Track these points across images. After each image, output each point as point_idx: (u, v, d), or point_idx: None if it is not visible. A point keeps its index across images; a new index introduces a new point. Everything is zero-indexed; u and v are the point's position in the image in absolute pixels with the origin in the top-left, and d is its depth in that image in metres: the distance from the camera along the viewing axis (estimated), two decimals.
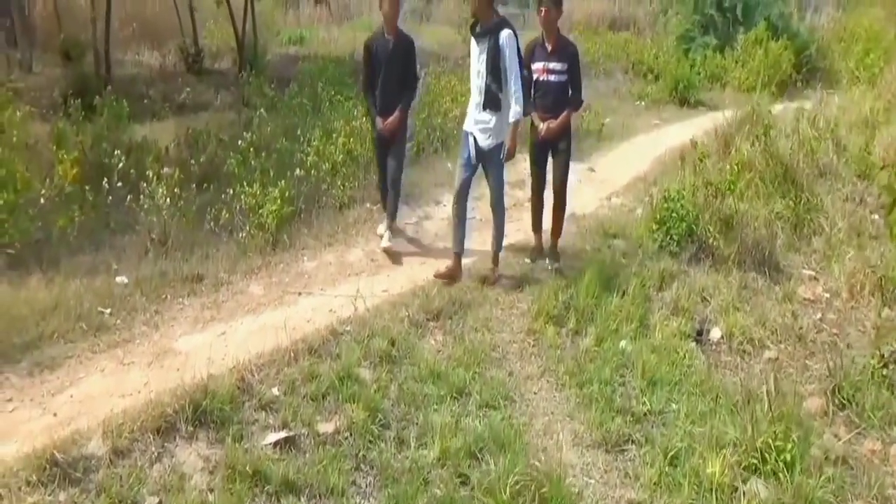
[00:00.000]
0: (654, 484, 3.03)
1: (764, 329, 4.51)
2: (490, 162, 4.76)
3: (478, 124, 4.69)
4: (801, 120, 7.99)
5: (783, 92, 12.68)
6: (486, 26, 4.56)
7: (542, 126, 4.97)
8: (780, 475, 3.04)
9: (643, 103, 12.57)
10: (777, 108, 10.95)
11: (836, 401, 3.67)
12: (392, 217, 5.41)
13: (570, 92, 5.02)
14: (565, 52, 4.96)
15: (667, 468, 3.10)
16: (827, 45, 15.53)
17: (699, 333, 4.45)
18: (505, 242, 5.10)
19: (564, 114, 4.97)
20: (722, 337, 4.43)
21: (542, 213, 5.33)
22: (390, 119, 5.13)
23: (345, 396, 3.53)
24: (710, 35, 14.66)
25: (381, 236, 5.38)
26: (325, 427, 3.31)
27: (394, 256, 5.25)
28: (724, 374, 4.04)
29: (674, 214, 5.47)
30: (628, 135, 10.12)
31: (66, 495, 2.76)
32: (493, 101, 4.58)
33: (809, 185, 6.45)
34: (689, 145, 8.56)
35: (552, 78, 4.95)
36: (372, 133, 5.58)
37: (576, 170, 8.12)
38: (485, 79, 4.53)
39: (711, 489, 2.96)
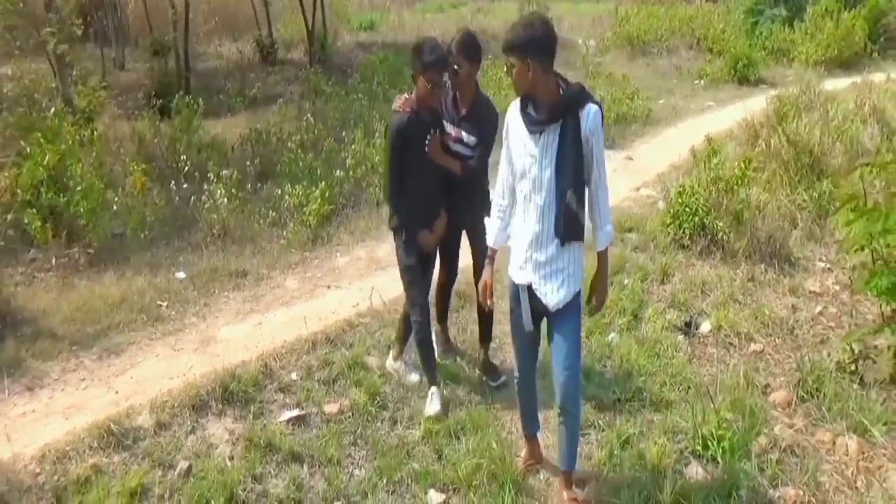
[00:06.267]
0: (603, 464, 3.42)
1: (756, 322, 4.72)
2: (563, 321, 2.95)
3: (541, 268, 2.90)
4: (848, 101, 7.84)
5: (854, 65, 12.19)
6: (556, 104, 2.76)
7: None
8: (719, 460, 3.38)
9: (702, 82, 12.39)
10: (842, 84, 10.60)
11: (800, 393, 3.90)
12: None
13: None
14: (480, 119, 3.65)
15: (617, 451, 3.48)
16: None
17: (687, 325, 4.71)
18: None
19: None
20: (711, 330, 4.69)
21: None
22: (439, 224, 3.81)
23: (352, 381, 4.11)
24: (781, 6, 14.13)
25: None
26: (331, 407, 3.90)
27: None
28: (703, 366, 4.32)
29: (686, 209, 5.69)
30: (677, 119, 10.12)
31: (118, 458, 3.47)
32: (573, 226, 2.83)
33: (840, 173, 6.43)
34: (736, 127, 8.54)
35: (461, 149, 3.71)
36: (406, 254, 3.79)
37: (613, 158, 8.39)
38: (555, 192, 2.77)
39: (653, 470, 3.33)
